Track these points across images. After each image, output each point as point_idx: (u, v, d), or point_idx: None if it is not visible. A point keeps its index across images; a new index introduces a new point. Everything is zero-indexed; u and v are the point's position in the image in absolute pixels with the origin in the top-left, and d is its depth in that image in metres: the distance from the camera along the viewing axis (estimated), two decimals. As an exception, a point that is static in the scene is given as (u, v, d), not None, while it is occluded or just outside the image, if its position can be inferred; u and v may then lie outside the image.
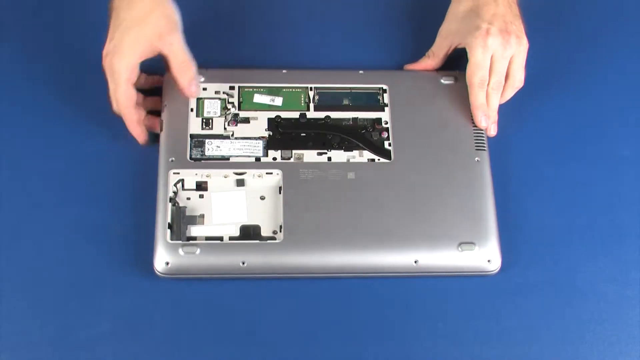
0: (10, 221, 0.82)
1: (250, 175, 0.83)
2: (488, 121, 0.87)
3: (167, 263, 0.78)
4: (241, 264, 0.79)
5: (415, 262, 0.81)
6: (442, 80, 0.90)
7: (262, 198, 0.82)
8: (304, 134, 0.85)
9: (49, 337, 0.78)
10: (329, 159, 0.84)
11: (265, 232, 0.81)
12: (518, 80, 0.88)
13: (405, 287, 0.82)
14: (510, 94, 0.89)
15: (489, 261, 0.82)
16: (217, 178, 0.83)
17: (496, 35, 0.86)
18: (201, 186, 0.83)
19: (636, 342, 0.82)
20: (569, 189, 0.88)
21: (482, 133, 0.87)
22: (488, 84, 0.87)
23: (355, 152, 0.85)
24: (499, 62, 0.87)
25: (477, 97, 0.87)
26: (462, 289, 0.82)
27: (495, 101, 0.88)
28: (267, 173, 0.83)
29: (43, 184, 0.84)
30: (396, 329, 0.81)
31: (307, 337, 0.80)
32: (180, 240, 0.79)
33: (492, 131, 0.88)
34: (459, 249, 0.81)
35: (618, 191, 0.88)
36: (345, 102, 0.88)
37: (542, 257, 0.85)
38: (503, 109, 0.89)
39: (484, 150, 0.86)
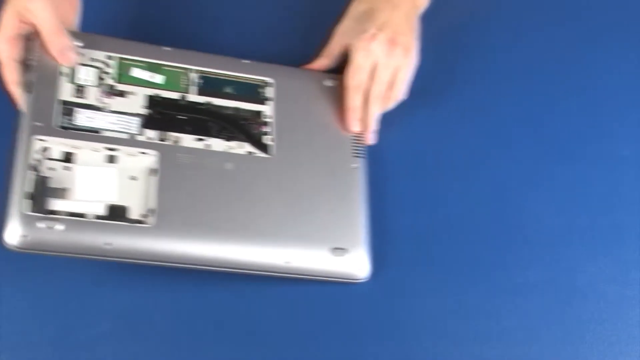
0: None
1: (122, 152, 0.78)
2: (361, 126, 0.85)
3: (24, 236, 0.72)
4: (106, 246, 0.74)
5: (286, 262, 0.78)
6: (324, 82, 0.88)
7: (133, 178, 0.77)
8: (184, 117, 0.81)
9: (49, 337, 0.77)
10: (208, 146, 0.81)
11: (133, 214, 0.76)
12: (399, 92, 0.86)
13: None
14: (390, 105, 0.87)
15: (358, 268, 0.80)
16: (86, 151, 0.77)
17: (382, 42, 0.84)
18: (67, 158, 0.77)
19: (636, 342, 0.82)
20: (569, 189, 0.88)
21: (361, 140, 0.85)
22: (370, 92, 0.85)
23: (235, 143, 0.81)
24: (382, 71, 0.85)
25: (352, 100, 0.85)
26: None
27: (376, 110, 0.85)
28: (141, 152, 0.78)
29: None
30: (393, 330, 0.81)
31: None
32: (40, 213, 0.73)
33: (370, 140, 0.86)
34: (330, 253, 0.79)
35: (618, 191, 0.88)
36: (229, 90, 0.85)
37: (542, 257, 0.85)
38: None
39: (362, 157, 0.85)
